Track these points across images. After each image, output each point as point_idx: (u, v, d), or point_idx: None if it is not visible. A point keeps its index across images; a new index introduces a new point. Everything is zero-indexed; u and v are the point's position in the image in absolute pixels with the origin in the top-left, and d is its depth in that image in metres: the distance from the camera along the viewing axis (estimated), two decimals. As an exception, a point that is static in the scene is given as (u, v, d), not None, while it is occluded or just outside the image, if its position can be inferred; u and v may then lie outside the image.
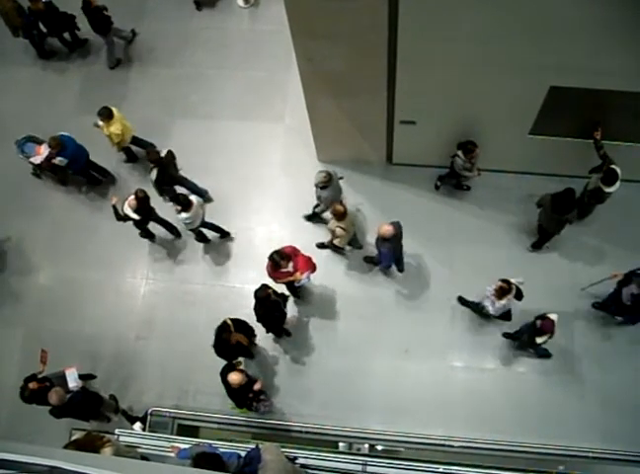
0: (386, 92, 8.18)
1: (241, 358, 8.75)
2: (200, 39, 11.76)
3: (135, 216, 9.11)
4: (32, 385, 8.15)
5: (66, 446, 6.91)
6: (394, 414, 8.91)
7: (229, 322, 8.26)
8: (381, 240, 8.40)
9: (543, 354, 8.91)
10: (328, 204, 9.01)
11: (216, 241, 10.18)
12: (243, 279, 9.92)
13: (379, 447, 9.51)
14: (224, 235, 10.18)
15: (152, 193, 9.39)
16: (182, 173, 9.88)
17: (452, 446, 8.63)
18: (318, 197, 9.07)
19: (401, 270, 9.56)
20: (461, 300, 9.28)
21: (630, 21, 6.29)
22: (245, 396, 8.06)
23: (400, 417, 8.87)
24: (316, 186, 8.79)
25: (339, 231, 8.58)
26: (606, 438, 8.49)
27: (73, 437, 7.83)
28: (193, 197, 9.03)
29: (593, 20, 6.36)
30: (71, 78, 11.78)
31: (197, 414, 9.15)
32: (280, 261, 8.12)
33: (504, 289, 8.03)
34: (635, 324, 8.82)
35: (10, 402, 9.56)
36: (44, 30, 11.47)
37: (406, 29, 6.89)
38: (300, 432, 8.89)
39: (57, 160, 9.77)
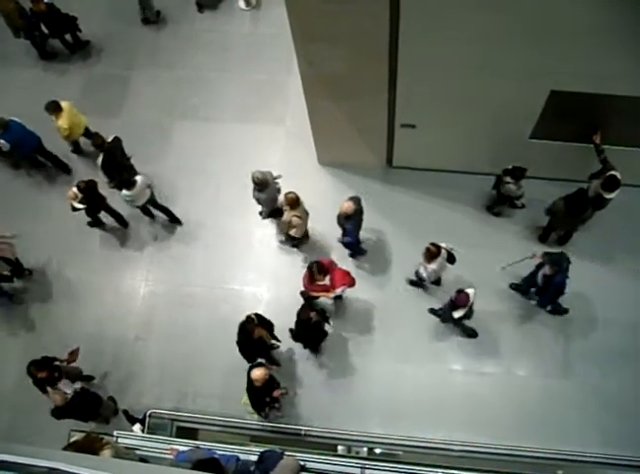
0: (387, 95, 8.20)
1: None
2: (201, 42, 11.80)
3: (80, 206, 9.40)
4: (41, 374, 8.21)
5: (66, 448, 6.92)
6: (393, 417, 8.89)
7: (253, 315, 8.19)
8: (344, 217, 8.55)
9: (469, 333, 9.05)
10: (268, 206, 9.15)
11: (215, 241, 10.20)
12: (242, 281, 9.93)
13: (378, 451, 9.48)
14: (174, 220, 10.34)
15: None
16: (132, 161, 10.02)
17: (451, 450, 8.60)
18: (257, 200, 9.09)
19: (364, 251, 9.76)
20: (410, 281, 9.51)
21: (631, 25, 6.30)
22: (262, 399, 8.03)
23: (399, 420, 8.86)
24: (254, 188, 8.86)
25: (295, 220, 8.62)
26: (606, 443, 8.47)
27: (72, 439, 7.82)
28: (138, 178, 9.24)
29: (593, 24, 6.38)
30: (72, 79, 11.80)
31: (195, 416, 9.10)
32: (319, 273, 8.07)
33: (431, 252, 8.10)
34: (546, 306, 8.97)
35: (10, 404, 9.58)
36: (46, 31, 11.49)
37: (407, 32, 6.90)
38: (299, 434, 8.86)
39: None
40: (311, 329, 8.25)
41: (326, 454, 8.31)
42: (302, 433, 8.82)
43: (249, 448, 7.65)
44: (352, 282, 8.51)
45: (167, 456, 7.42)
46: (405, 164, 10.07)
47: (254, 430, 9.05)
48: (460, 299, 7.99)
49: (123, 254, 10.32)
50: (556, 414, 8.72)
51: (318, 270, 8.07)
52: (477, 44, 6.95)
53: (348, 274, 8.50)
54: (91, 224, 10.40)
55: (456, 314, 8.18)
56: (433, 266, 8.21)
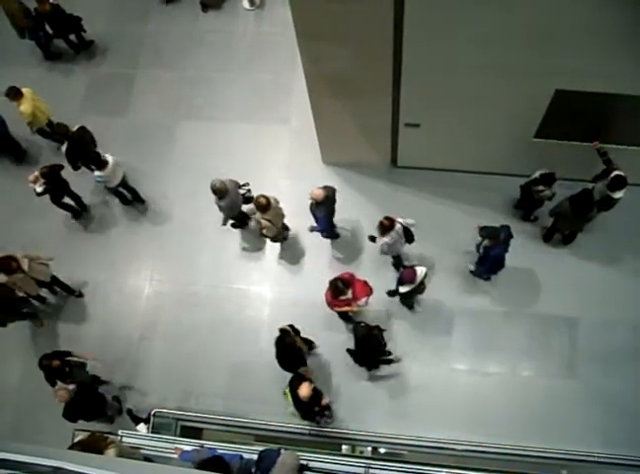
0: (391, 94, 8.18)
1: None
2: (205, 42, 11.80)
3: (39, 189, 9.52)
4: (55, 363, 8.25)
5: (71, 447, 6.95)
6: (397, 417, 8.89)
7: (287, 327, 8.22)
8: (315, 205, 8.70)
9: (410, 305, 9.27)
10: (228, 213, 9.18)
11: (219, 241, 10.22)
12: (247, 281, 9.94)
13: (382, 450, 9.50)
14: (138, 200, 10.55)
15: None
16: (99, 151, 9.98)
17: (455, 450, 8.60)
18: (219, 207, 9.09)
19: (336, 236, 9.92)
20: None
21: (635, 23, 6.28)
22: (311, 409, 8.03)
23: (403, 420, 8.86)
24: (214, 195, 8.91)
25: (264, 222, 8.75)
26: (609, 443, 8.46)
27: (77, 439, 7.84)
28: (109, 157, 9.38)
29: (598, 22, 6.36)
30: (77, 80, 11.84)
31: (200, 415, 9.13)
32: (344, 288, 8.02)
33: (384, 226, 8.15)
34: (483, 276, 9.21)
35: (14, 403, 9.61)
36: (51, 31, 11.51)
37: (411, 31, 6.89)
38: (303, 434, 8.88)
39: None
40: (374, 343, 8.22)
41: (330, 454, 8.31)
42: (307, 432, 8.83)
43: (253, 448, 7.64)
44: (371, 291, 8.46)
45: (171, 456, 7.44)
46: (409, 163, 10.06)
47: (258, 429, 9.05)
48: (406, 274, 8.11)
49: (128, 253, 10.33)
50: (560, 414, 8.71)
51: (344, 285, 8.02)
52: (481, 44, 6.93)
53: (366, 283, 8.46)
54: (73, 217, 10.57)
55: (402, 289, 8.29)
56: (385, 239, 8.28)
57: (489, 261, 8.56)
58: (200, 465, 6.44)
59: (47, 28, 11.41)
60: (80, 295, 10.11)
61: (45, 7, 10.77)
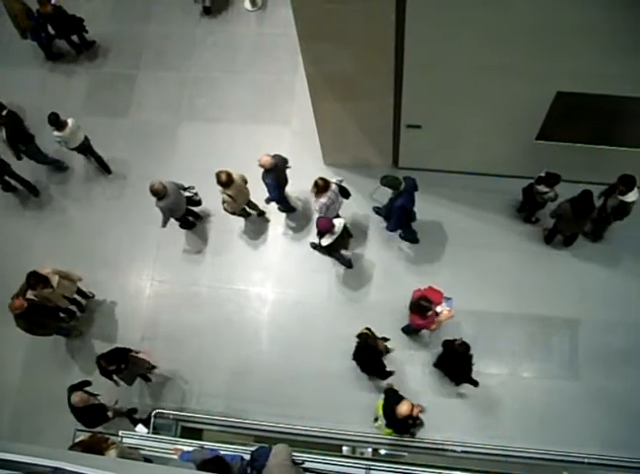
0: (393, 95, 8.18)
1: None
2: (206, 43, 11.81)
3: None
4: (111, 367, 8.27)
5: (72, 448, 6.94)
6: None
7: (366, 330, 8.11)
8: (265, 172, 8.82)
9: (346, 264, 9.41)
10: (167, 215, 9.26)
11: (221, 241, 10.22)
12: (248, 282, 9.94)
13: (383, 452, 9.48)
14: (105, 169, 10.88)
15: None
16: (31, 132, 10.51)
17: (455, 451, 8.58)
18: (158, 208, 9.10)
19: (293, 209, 10.12)
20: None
21: (638, 25, 6.28)
22: (406, 423, 7.89)
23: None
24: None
25: (225, 197, 8.96)
26: (611, 444, 8.44)
27: (77, 439, 7.84)
28: (69, 120, 9.73)
29: (600, 24, 6.35)
30: (78, 80, 11.86)
31: (200, 416, 9.13)
32: (428, 304, 7.74)
33: (319, 186, 8.28)
34: (394, 230, 9.15)
35: (14, 404, 9.62)
36: (53, 32, 11.54)
37: (413, 32, 6.89)
38: (303, 435, 8.86)
39: None
40: (460, 359, 8.13)
41: (331, 455, 8.30)
42: (306, 433, 8.81)
43: (253, 448, 7.63)
44: (440, 292, 8.17)
45: (172, 456, 7.43)
46: (411, 165, 10.03)
47: (258, 430, 9.04)
48: (320, 223, 8.18)
49: (129, 253, 10.36)
50: (560, 415, 8.70)
51: (427, 301, 7.76)
52: (483, 44, 6.92)
53: (432, 288, 8.20)
54: (4, 189, 10.74)
55: (324, 242, 8.38)
56: (322, 200, 8.41)
57: (395, 213, 8.51)
58: (201, 465, 6.43)
59: (50, 28, 11.44)
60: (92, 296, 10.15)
61: (47, 8, 10.81)
